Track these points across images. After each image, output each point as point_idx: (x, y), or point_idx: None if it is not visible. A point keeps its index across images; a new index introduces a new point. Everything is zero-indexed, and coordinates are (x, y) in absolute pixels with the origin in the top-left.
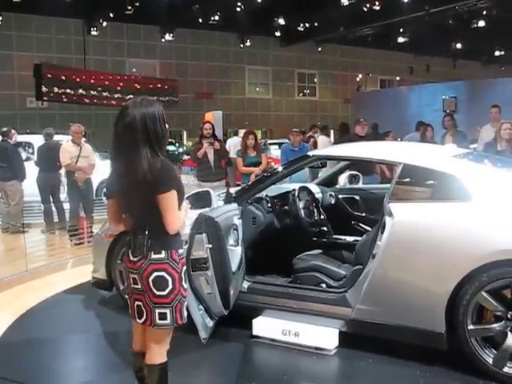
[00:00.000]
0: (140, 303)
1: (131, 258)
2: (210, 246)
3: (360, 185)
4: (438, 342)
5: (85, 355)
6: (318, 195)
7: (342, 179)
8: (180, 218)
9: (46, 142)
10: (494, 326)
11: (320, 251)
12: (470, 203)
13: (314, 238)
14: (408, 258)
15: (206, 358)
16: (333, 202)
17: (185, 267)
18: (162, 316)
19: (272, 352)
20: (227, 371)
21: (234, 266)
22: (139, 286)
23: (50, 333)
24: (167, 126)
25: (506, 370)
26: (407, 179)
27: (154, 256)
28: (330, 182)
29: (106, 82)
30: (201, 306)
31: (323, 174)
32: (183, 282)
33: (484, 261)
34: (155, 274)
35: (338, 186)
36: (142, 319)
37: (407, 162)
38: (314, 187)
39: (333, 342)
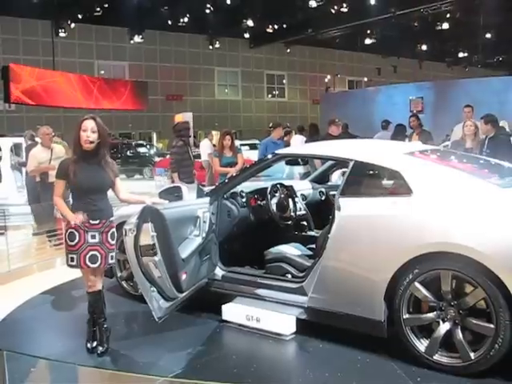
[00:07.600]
0: None
1: None
2: (155, 234)
3: None
4: (379, 330)
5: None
6: (308, 191)
7: (335, 176)
8: (55, 200)
9: (32, 143)
10: (427, 315)
11: (297, 244)
12: (409, 198)
13: (295, 232)
14: (351, 249)
15: (174, 334)
16: (323, 198)
17: (70, 230)
18: None
19: (234, 335)
20: (184, 345)
21: (185, 253)
22: None
23: (50, 317)
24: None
25: (436, 357)
26: (357, 175)
27: None
28: (322, 178)
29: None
30: (153, 288)
31: (316, 171)
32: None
33: (416, 253)
34: None
35: (329, 183)
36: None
37: (357, 158)
38: (305, 184)
39: (290, 328)
